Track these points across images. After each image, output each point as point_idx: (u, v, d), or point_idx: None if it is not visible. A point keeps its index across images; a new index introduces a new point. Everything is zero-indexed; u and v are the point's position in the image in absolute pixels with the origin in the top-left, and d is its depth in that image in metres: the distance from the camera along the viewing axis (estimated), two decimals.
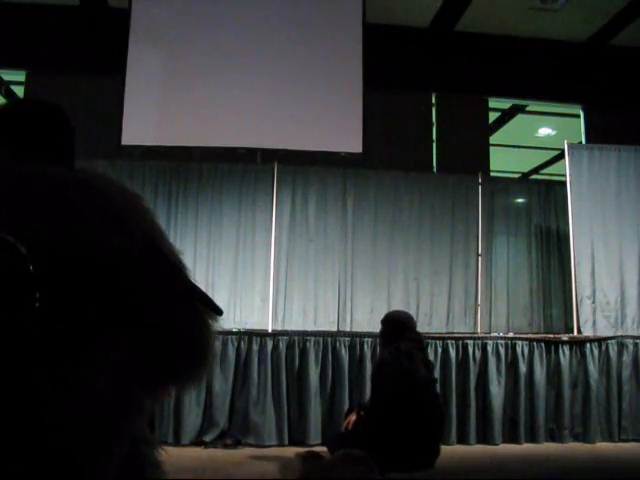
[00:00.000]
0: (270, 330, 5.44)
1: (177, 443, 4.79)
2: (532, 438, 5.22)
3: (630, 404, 5.38)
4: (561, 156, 6.90)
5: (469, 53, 6.72)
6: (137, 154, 5.87)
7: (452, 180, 6.20)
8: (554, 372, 5.37)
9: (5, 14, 6.05)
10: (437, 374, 4.85)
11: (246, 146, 5.84)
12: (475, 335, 5.59)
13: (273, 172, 5.84)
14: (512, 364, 5.33)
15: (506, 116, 7.76)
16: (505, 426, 5.24)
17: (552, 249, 6.37)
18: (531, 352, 5.36)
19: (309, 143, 5.89)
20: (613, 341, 5.50)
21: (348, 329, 5.69)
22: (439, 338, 5.33)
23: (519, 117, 7.82)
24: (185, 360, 1.00)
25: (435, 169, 6.62)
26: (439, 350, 5.24)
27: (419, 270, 5.95)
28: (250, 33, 5.92)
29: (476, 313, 5.95)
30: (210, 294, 1.05)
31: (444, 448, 4.06)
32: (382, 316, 4.24)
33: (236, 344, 5.06)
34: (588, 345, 5.45)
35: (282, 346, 5.10)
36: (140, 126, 5.76)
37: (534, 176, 9.54)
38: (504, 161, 8.19)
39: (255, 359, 5.05)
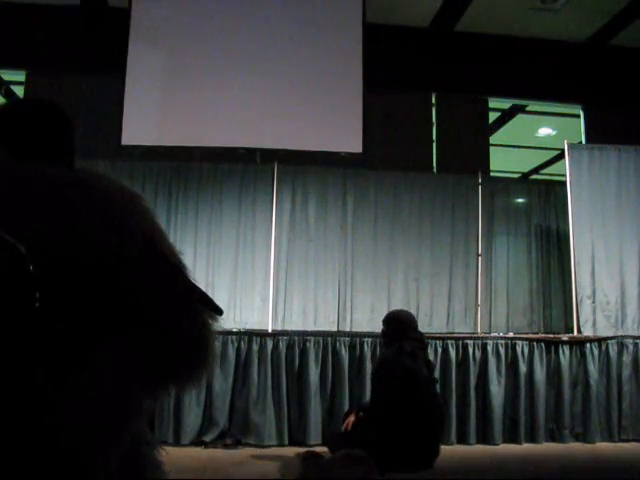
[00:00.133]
0: (270, 330, 5.44)
1: (177, 443, 4.79)
2: (532, 438, 5.22)
3: (630, 404, 5.38)
4: (561, 156, 6.90)
5: (469, 53, 6.72)
6: (137, 154, 5.87)
7: (452, 180, 6.20)
8: (554, 372, 5.37)
9: (5, 14, 6.05)
10: (437, 374, 4.85)
11: (246, 146, 5.84)
12: (475, 335, 5.59)
13: (273, 172, 5.84)
14: (512, 364, 5.33)
15: (506, 116, 7.76)
16: (505, 426, 5.23)
17: (552, 249, 6.37)
18: (531, 352, 5.36)
19: (309, 143, 5.89)
20: (613, 341, 5.50)
21: (348, 329, 5.69)
22: (439, 338, 5.33)
23: (519, 117, 7.82)
24: (185, 360, 1.00)
25: (435, 169, 6.62)
26: (439, 350, 5.24)
27: (419, 270, 5.95)
28: (250, 33, 5.92)
29: (476, 313, 5.95)
30: (210, 294, 1.05)
31: (444, 448, 4.07)
32: (382, 316, 4.25)
33: (236, 344, 5.06)
34: (588, 345, 5.45)
35: (282, 346, 5.10)
36: (140, 126, 5.76)
37: (534, 176, 9.54)
38: (504, 161, 8.19)
39: (255, 359, 5.04)
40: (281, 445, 4.90)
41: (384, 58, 6.26)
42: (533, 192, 6.53)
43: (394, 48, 6.45)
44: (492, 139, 7.33)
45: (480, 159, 6.67)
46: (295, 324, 5.65)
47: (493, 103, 7.15)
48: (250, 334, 5.17)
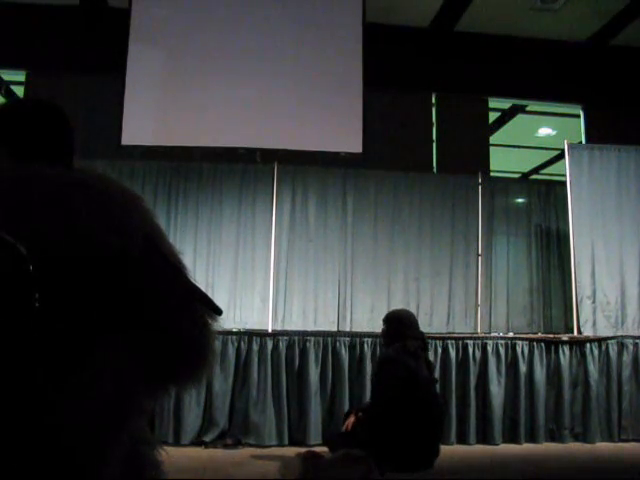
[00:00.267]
0: (270, 330, 5.44)
1: (177, 443, 4.79)
2: (532, 438, 5.22)
3: (630, 404, 5.38)
4: (561, 156, 6.90)
5: (469, 53, 6.72)
6: (137, 154, 5.86)
7: (452, 180, 6.20)
8: (554, 372, 5.37)
9: (5, 14, 6.05)
10: (437, 374, 4.86)
11: (246, 146, 5.84)
12: (475, 335, 5.59)
13: (273, 172, 5.84)
14: (512, 364, 5.33)
15: (506, 116, 7.76)
16: (505, 426, 5.23)
17: (552, 249, 6.37)
18: (531, 352, 5.36)
19: (309, 143, 5.89)
20: (613, 341, 5.50)
21: (348, 329, 5.69)
22: (439, 338, 5.33)
23: (519, 117, 7.82)
24: (185, 360, 1.00)
25: (435, 169, 6.62)
26: (439, 350, 5.24)
27: (419, 270, 5.95)
28: (250, 33, 5.92)
29: (476, 313, 5.95)
30: (210, 294, 1.05)
31: (444, 448, 4.07)
32: (382, 316, 4.24)
33: (236, 344, 5.06)
34: (588, 345, 5.45)
35: (282, 346, 5.10)
36: (140, 126, 5.76)
37: (534, 176, 9.54)
38: (504, 161, 8.19)
39: (255, 359, 5.05)
40: (281, 445, 4.90)
41: (384, 58, 6.26)
42: (533, 192, 6.53)
43: (394, 48, 6.45)
44: (492, 139, 7.33)
45: (480, 159, 6.67)
46: (295, 324, 5.65)
47: (493, 103, 7.15)
48: (250, 334, 5.17)
